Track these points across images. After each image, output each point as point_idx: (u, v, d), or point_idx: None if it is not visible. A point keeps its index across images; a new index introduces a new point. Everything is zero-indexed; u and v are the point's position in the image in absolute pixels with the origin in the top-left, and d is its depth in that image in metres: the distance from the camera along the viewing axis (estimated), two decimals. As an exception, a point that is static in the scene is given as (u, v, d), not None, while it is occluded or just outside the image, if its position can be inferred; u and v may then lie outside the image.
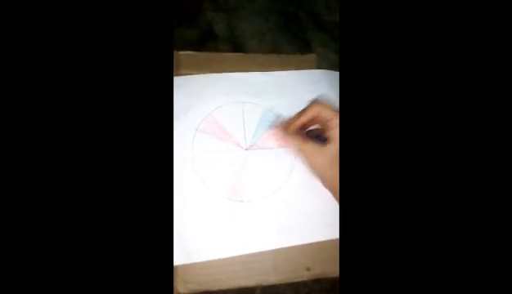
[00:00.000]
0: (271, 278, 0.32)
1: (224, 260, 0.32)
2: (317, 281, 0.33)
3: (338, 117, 0.31)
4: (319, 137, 0.32)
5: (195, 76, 0.39)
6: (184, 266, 0.31)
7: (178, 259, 0.31)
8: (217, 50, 0.43)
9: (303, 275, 0.32)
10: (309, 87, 0.40)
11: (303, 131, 0.34)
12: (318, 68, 0.42)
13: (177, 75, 0.39)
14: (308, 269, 0.32)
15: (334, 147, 0.30)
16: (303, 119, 0.33)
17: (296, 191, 0.35)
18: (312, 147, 0.32)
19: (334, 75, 0.42)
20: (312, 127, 0.35)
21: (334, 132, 0.31)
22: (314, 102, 0.33)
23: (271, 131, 0.38)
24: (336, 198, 0.31)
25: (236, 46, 0.43)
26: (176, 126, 0.36)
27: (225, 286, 0.32)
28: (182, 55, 0.40)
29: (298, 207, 0.35)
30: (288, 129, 0.33)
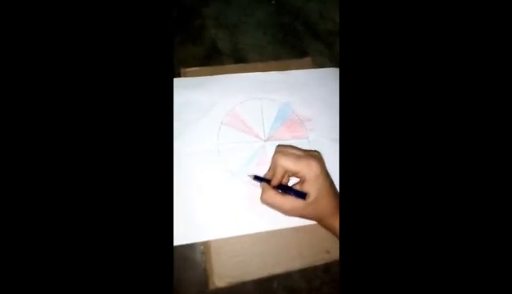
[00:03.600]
0: (297, 264, 0.36)
1: (255, 253, 0.36)
2: (328, 271, 0.37)
3: (301, 166, 0.32)
4: (297, 192, 0.33)
5: (219, 76, 0.44)
6: (217, 263, 0.35)
7: (209, 235, 0.36)
8: (221, 64, 0.46)
9: (324, 258, 0.37)
10: (319, 83, 0.46)
11: (281, 188, 0.34)
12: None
13: (199, 76, 0.44)
14: (328, 252, 0.37)
15: (311, 199, 0.32)
16: (276, 179, 0.34)
17: None
18: (292, 202, 0.32)
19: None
20: (290, 183, 0.36)
21: (307, 185, 0.32)
22: (276, 153, 0.34)
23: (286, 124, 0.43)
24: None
25: (239, 60, 0.47)
26: (203, 119, 0.41)
27: (256, 276, 0.35)
28: (188, 71, 0.44)
29: None
30: (266, 191, 0.34)
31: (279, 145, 0.36)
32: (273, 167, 0.34)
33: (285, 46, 0.49)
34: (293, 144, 0.40)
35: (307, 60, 0.48)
